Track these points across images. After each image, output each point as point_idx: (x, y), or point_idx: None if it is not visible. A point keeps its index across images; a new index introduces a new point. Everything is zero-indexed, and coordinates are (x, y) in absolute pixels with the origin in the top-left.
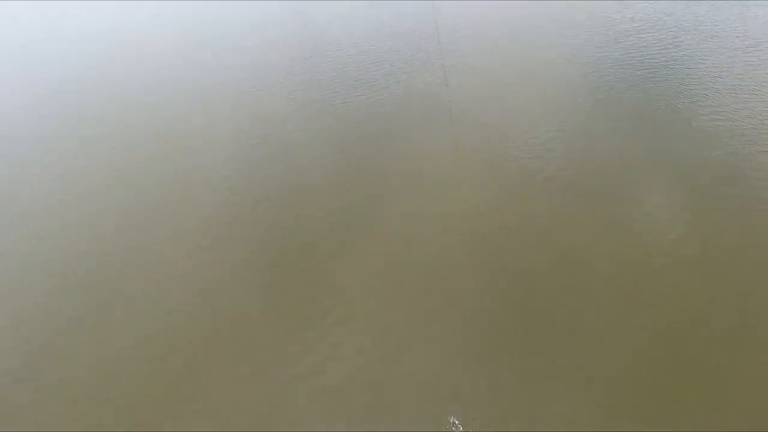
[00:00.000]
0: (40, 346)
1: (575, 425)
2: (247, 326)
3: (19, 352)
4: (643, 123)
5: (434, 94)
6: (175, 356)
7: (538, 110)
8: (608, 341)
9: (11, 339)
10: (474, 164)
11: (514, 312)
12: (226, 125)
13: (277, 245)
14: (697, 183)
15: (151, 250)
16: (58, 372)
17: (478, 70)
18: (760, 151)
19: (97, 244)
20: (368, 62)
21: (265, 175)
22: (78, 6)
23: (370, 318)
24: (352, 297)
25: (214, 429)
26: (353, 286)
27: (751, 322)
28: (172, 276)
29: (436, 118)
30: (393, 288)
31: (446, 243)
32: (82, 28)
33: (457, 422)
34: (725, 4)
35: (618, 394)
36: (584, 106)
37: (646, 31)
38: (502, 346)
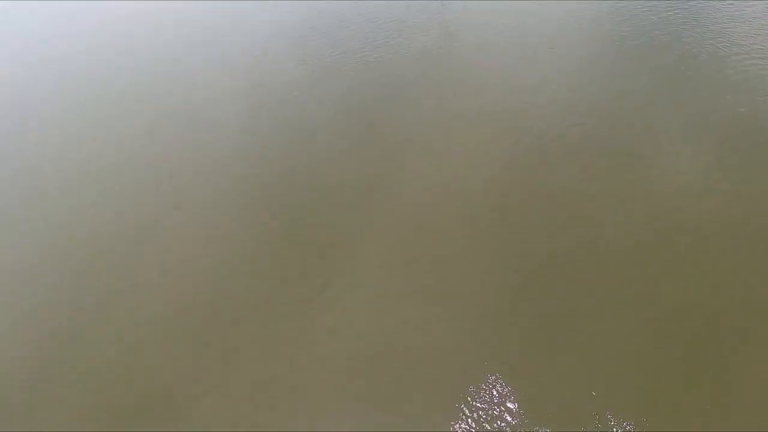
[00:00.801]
0: (50, 334)
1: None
2: (258, 300)
3: (30, 343)
4: (670, 73)
5: (441, 54)
6: (184, 335)
7: (552, 60)
8: (633, 316)
9: (21, 330)
10: (485, 119)
11: (531, 279)
12: (233, 90)
13: (286, 214)
14: (730, 137)
15: (160, 223)
16: (68, 361)
17: (486, 18)
18: None
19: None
20: (372, 26)
21: (273, 142)
22: None
23: (386, 291)
24: (366, 268)
25: (221, 421)
26: (366, 256)
27: None
28: (180, 250)
29: (444, 79)
30: (406, 258)
31: (458, 207)
32: None
33: None
34: None
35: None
36: (606, 53)
37: None
38: (519, 314)
